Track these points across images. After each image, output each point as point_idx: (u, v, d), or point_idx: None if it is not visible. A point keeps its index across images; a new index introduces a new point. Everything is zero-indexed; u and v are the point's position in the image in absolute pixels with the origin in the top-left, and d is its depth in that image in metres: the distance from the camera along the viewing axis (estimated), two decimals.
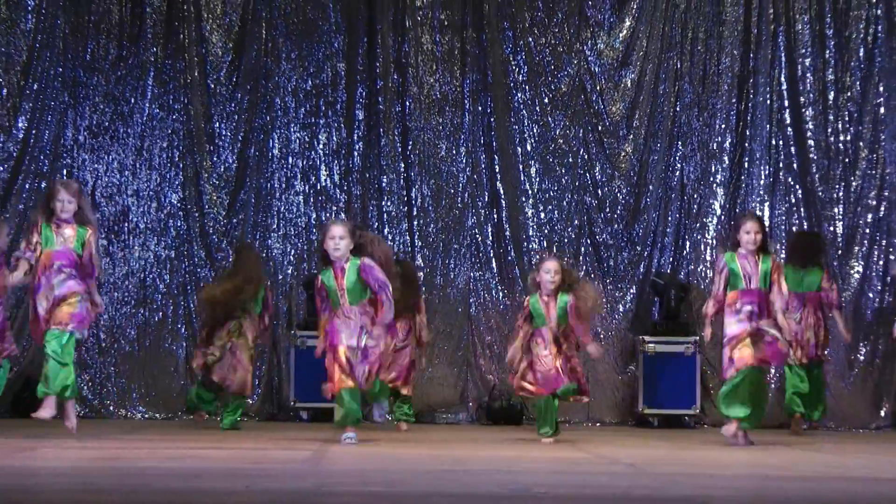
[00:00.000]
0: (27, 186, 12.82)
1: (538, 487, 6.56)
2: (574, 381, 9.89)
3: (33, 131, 12.89)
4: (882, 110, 12.96)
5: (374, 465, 7.84)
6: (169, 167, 13.12)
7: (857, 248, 12.92)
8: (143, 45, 13.15)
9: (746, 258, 9.67)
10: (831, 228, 12.85)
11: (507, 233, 13.10)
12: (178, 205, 13.14)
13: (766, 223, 12.99)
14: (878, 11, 12.94)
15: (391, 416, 11.37)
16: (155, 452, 8.53)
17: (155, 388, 12.90)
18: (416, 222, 13.17)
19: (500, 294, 13.11)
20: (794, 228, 13.01)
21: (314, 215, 13.16)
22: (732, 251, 9.70)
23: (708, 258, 13.05)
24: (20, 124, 12.86)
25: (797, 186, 13.01)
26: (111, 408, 12.86)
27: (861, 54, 13.01)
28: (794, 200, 13.00)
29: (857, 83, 12.98)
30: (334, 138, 13.25)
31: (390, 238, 13.11)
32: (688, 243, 13.06)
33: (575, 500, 6.06)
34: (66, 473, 7.00)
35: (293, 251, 13.08)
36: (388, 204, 13.18)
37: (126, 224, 13.07)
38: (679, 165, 13.17)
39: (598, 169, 13.23)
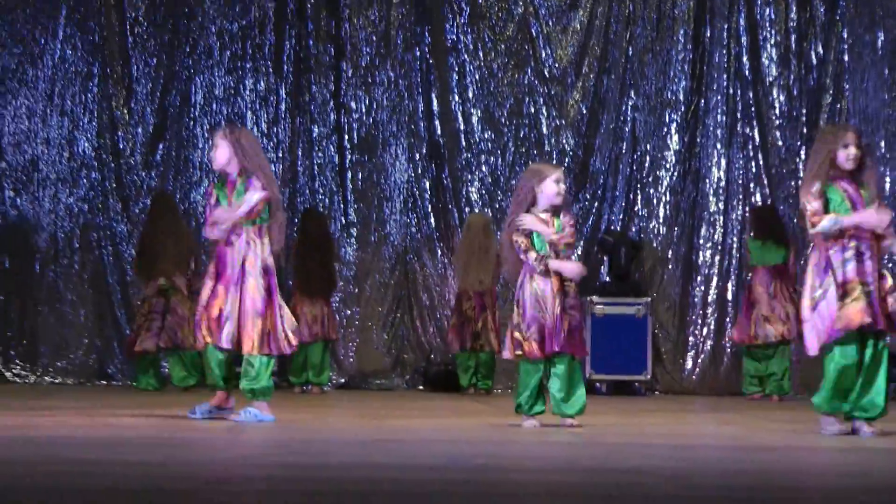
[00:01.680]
0: None
1: (478, 458, 6.39)
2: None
3: None
4: (846, 58, 12.73)
5: (301, 435, 7.63)
6: (82, 113, 12.84)
7: None
8: None
9: (845, 181, 7.65)
10: (791, 182, 12.63)
11: (447, 185, 12.79)
12: (93, 154, 12.79)
13: (723, 176, 12.76)
14: None
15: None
16: (66, 421, 8.25)
17: (66, 352, 12.54)
18: (348, 175, 12.85)
19: (439, 252, 12.84)
20: (751, 184, 12.75)
21: None
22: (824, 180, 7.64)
23: (661, 214, 12.78)
24: None
25: (755, 137, 12.76)
26: (18, 372, 12.51)
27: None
28: (752, 152, 12.77)
29: (819, 27, 12.72)
30: (262, 84, 12.94)
31: (320, 191, 12.81)
32: (640, 198, 12.86)
33: (516, 471, 5.86)
34: None
35: None
36: (319, 154, 12.86)
37: (36, 174, 12.78)
38: (631, 115, 12.96)
39: (543, 118, 12.95)
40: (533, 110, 13.05)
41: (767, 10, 12.91)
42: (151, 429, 7.83)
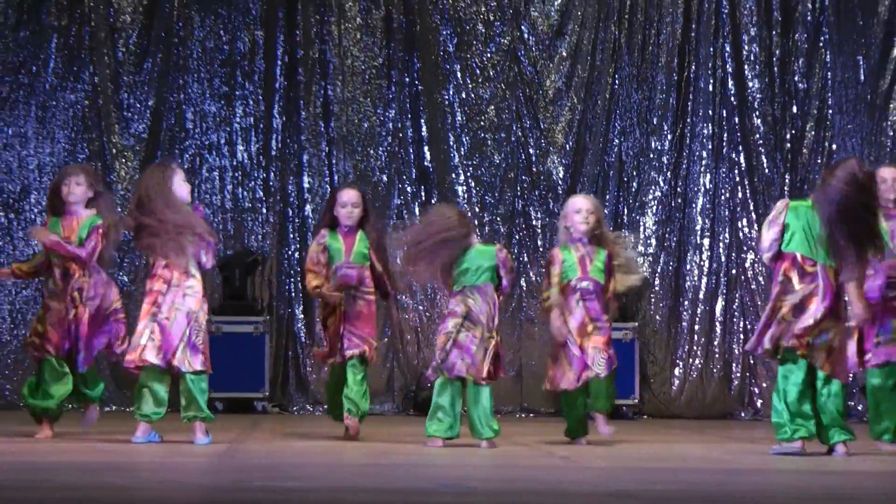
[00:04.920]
0: None
1: (469, 482, 6.59)
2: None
3: None
4: (829, 84, 13.06)
5: (292, 460, 7.87)
6: (74, 141, 13.01)
7: None
8: (45, 8, 13.02)
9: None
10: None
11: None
12: None
13: (709, 201, 13.09)
14: None
15: None
16: (57, 446, 8.45)
17: None
18: None
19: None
20: (737, 209, 13.07)
21: (230, 193, 13.07)
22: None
23: (647, 238, 13.10)
24: None
25: (741, 162, 13.09)
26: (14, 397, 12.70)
27: (807, 24, 13.12)
28: (738, 177, 13.09)
29: (803, 55, 13.07)
30: (252, 111, 13.21)
31: (310, 218, 13.07)
32: (626, 222, 13.11)
33: (506, 494, 6.12)
34: None
35: None
36: (309, 181, 13.14)
37: (26, 202, 12.95)
38: (617, 141, 13.25)
39: (532, 144, 13.26)
40: (520, 135, 13.35)
41: (751, 37, 13.23)
42: (144, 453, 8.03)
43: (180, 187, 8.82)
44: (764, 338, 8.22)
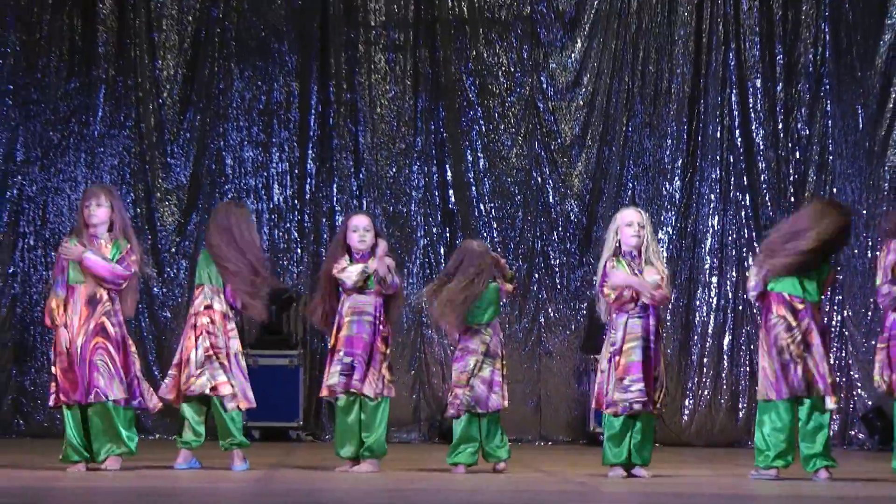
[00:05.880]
0: None
1: None
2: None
3: None
4: (829, 131, 13.14)
5: (324, 485, 7.94)
6: (120, 185, 13.17)
7: None
8: (94, 62, 13.24)
9: None
10: None
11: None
12: (131, 222, 13.09)
13: (717, 241, 13.16)
14: (825, 35, 13.13)
15: None
16: (103, 473, 8.53)
17: None
18: None
19: None
20: (744, 249, 13.14)
21: (267, 234, 13.20)
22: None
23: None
24: None
25: (748, 205, 13.17)
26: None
27: (809, 75, 13.21)
28: (744, 220, 13.16)
29: (805, 105, 13.16)
30: (287, 157, 13.34)
31: None
32: None
33: None
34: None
35: None
36: (341, 221, 13.21)
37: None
38: (631, 185, 13.34)
39: (550, 188, 13.36)
40: (540, 180, 13.47)
41: (756, 87, 13.33)
42: (187, 480, 8.10)
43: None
44: (793, 378, 8.23)
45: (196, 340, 8.74)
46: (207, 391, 8.70)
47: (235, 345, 8.86)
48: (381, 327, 8.89)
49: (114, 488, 7.55)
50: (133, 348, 8.66)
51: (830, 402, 8.37)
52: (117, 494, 7.15)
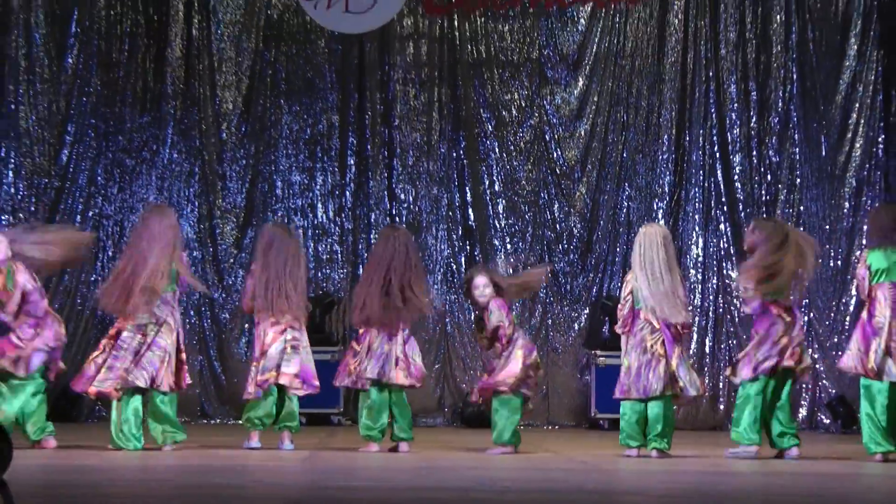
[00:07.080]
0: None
1: (503, 482, 6.72)
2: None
3: (69, 175, 13.05)
4: (797, 157, 13.21)
5: (361, 464, 8.00)
6: (186, 205, 13.29)
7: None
8: (164, 98, 13.36)
9: None
10: None
11: (479, 261, 13.23)
12: (195, 237, 13.32)
13: (700, 253, 13.20)
14: (793, 75, 13.22)
15: None
16: (177, 452, 8.59)
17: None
18: None
19: (472, 315, 13.22)
20: (723, 260, 13.18)
21: (312, 247, 13.31)
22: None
23: None
24: (59, 170, 13.03)
25: (727, 223, 13.22)
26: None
27: (779, 110, 13.28)
28: (724, 236, 13.22)
29: (776, 135, 13.23)
30: (329, 180, 13.47)
31: None
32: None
33: (535, 492, 6.27)
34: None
35: None
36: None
37: None
38: (626, 204, 13.45)
39: (556, 207, 13.46)
40: (547, 199, 13.54)
41: (733, 120, 13.41)
42: (240, 458, 8.12)
43: None
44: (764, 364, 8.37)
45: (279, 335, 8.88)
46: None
47: (304, 339, 8.96)
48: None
49: (184, 466, 7.59)
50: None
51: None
52: (187, 471, 7.18)
